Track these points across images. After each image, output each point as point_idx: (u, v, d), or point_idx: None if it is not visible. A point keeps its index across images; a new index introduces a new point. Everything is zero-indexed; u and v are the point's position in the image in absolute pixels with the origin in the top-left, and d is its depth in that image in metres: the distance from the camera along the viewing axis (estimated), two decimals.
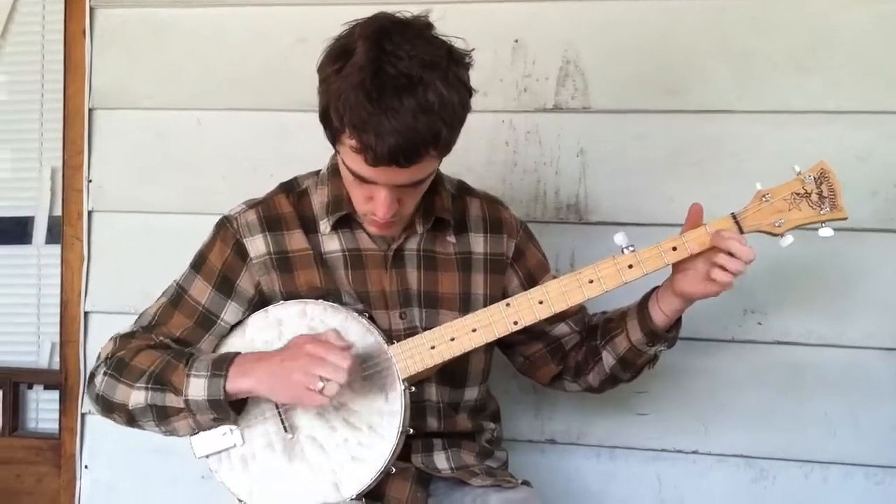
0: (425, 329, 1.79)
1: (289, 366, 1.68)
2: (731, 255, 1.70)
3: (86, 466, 2.58)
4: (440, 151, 1.66)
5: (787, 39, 2.28)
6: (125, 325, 1.89)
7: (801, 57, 2.27)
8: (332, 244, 1.84)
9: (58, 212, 2.64)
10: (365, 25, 1.64)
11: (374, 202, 1.71)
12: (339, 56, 1.63)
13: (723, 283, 1.71)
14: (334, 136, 1.68)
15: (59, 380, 2.61)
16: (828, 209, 1.74)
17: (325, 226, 1.84)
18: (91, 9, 2.56)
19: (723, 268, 1.70)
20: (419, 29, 1.65)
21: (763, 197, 1.75)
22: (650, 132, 2.34)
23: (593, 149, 2.36)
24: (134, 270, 2.50)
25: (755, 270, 2.21)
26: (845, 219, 1.75)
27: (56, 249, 2.64)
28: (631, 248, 1.74)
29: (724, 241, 1.71)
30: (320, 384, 1.64)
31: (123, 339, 1.84)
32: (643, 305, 1.84)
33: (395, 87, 1.57)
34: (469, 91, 1.69)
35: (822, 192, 1.74)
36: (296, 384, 1.66)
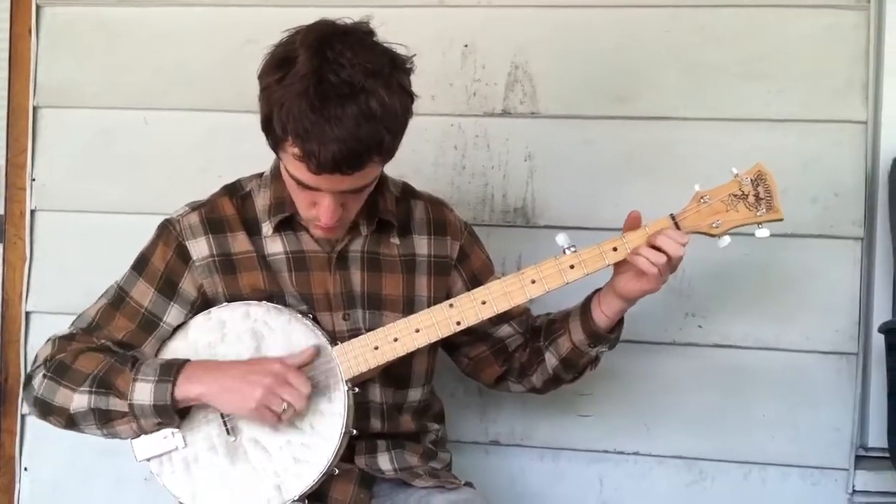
0: (368, 330, 1.79)
1: (252, 380, 1.69)
2: (659, 250, 1.73)
3: (25, 469, 2.54)
4: (383, 158, 1.67)
5: (735, 48, 2.32)
6: (68, 325, 1.86)
7: (749, 65, 2.31)
8: (275, 246, 1.84)
9: (0, 210, 2.61)
10: (306, 34, 1.64)
11: (318, 208, 1.71)
12: (280, 65, 1.63)
13: (649, 274, 1.73)
14: (276, 144, 1.68)
15: None
16: (764, 210, 1.76)
17: (267, 228, 1.84)
18: (37, 7, 2.53)
19: (647, 259, 1.72)
20: (361, 36, 1.66)
21: (701, 198, 1.77)
22: (598, 138, 2.36)
23: (541, 153, 2.38)
24: (77, 271, 2.47)
25: (696, 274, 2.27)
26: (781, 220, 1.77)
27: None
28: (572, 249, 1.76)
29: (655, 238, 1.73)
30: (283, 406, 1.67)
31: (63, 342, 1.81)
32: (585, 307, 1.86)
33: (337, 96, 1.58)
34: (411, 97, 1.69)
35: (758, 193, 1.76)
36: (258, 401, 1.68)
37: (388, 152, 1.67)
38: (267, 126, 1.66)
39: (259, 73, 1.68)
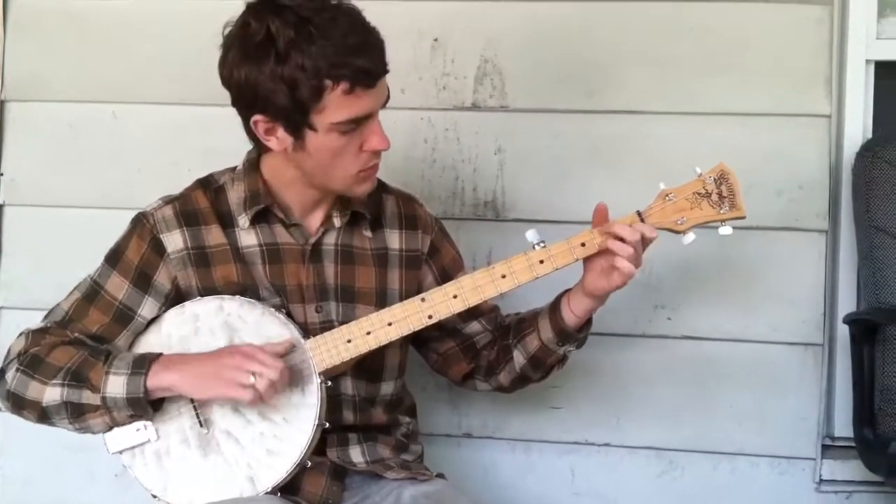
0: (341, 323, 1.80)
1: (222, 362, 1.69)
2: (622, 240, 1.74)
3: None
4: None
5: (700, 43, 2.34)
6: (38, 319, 1.85)
7: (714, 60, 2.34)
8: (249, 239, 1.84)
9: None
10: (256, 12, 1.68)
11: (370, 139, 1.74)
12: (262, 51, 1.65)
13: (622, 270, 1.73)
14: (310, 111, 1.67)
15: None
16: (727, 208, 1.79)
17: (244, 220, 1.84)
18: None
19: (617, 254, 1.73)
20: None
21: (666, 196, 1.79)
22: (566, 131, 2.38)
23: (510, 147, 2.40)
24: (47, 265, 2.46)
25: (665, 268, 2.30)
26: (744, 218, 1.80)
27: None
28: (542, 244, 1.78)
29: (611, 227, 1.75)
30: (252, 379, 1.66)
31: (36, 335, 1.81)
32: (555, 305, 1.87)
33: (327, 20, 1.65)
34: None
35: (721, 192, 1.79)
36: (227, 379, 1.67)
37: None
38: (296, 103, 1.67)
39: (245, 78, 1.68)
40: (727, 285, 2.33)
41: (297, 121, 1.69)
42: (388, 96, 1.76)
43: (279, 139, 1.74)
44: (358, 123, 1.71)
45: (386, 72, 1.72)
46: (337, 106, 1.68)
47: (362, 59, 1.65)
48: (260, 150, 1.84)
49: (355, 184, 1.80)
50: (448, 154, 2.41)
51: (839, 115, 2.34)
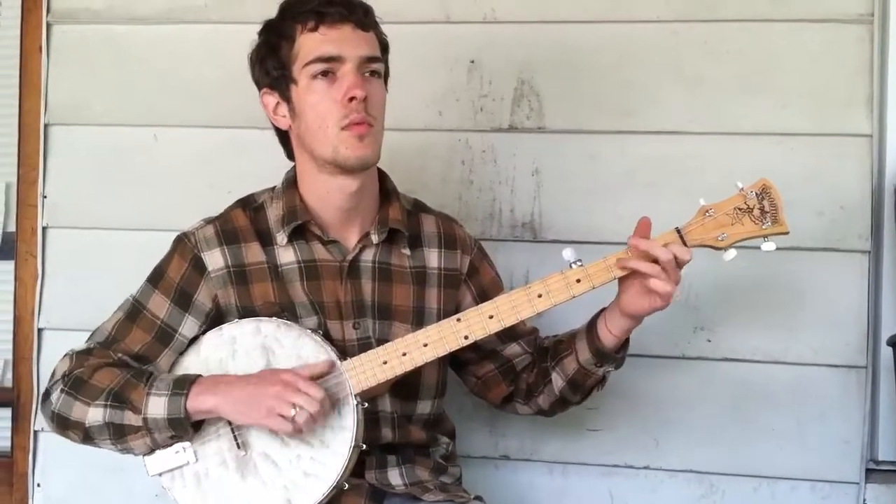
0: (378, 340, 1.81)
1: (263, 390, 1.70)
2: (655, 261, 1.72)
3: (38, 485, 2.55)
4: (378, 33, 1.85)
5: (736, 63, 2.33)
6: (80, 341, 1.88)
7: (751, 80, 2.32)
8: (287, 256, 1.86)
9: (11, 227, 2.63)
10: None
11: (346, 87, 1.76)
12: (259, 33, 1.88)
13: (660, 292, 1.72)
14: (289, 63, 1.80)
15: (12, 397, 2.58)
16: (770, 224, 1.76)
17: (281, 237, 1.85)
18: (48, 24, 2.56)
19: (655, 276, 1.71)
20: None
21: (706, 212, 1.77)
22: (604, 152, 2.37)
23: (548, 168, 2.39)
24: (88, 287, 2.49)
25: (704, 288, 2.28)
26: (787, 233, 1.77)
27: (9, 266, 2.61)
28: (579, 263, 1.77)
29: (644, 245, 1.72)
30: (293, 411, 1.67)
31: (80, 357, 1.83)
32: (591, 327, 1.86)
33: None
34: None
35: (763, 207, 1.77)
36: (268, 408, 1.68)
37: (377, 24, 1.85)
38: (281, 63, 1.81)
39: (251, 61, 1.89)
40: (768, 307, 2.30)
41: (284, 78, 1.80)
42: (382, 63, 1.84)
43: (283, 114, 1.84)
44: (329, 66, 1.77)
45: (361, 20, 1.79)
46: (307, 47, 1.77)
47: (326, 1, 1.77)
48: (296, 169, 1.89)
49: (342, 144, 1.78)
50: (485, 175, 2.41)
51: (881, 134, 2.31)
